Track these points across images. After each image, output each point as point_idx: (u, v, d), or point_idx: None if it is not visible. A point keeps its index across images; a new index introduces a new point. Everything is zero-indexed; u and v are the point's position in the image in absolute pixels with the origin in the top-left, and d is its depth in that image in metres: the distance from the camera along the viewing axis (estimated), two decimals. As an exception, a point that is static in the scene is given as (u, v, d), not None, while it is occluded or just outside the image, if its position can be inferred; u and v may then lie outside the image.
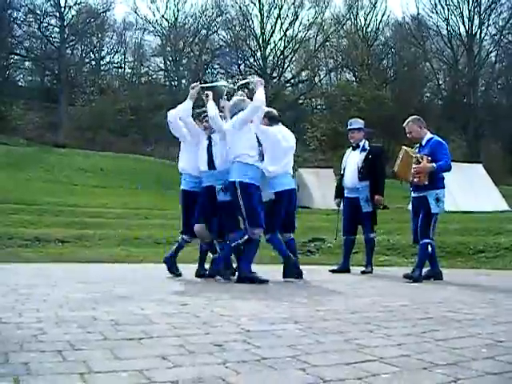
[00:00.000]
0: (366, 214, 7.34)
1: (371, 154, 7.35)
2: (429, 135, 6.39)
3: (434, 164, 6.06)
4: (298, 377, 2.00)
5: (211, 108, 6.05)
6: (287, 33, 46.28)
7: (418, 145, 6.49)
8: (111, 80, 47.85)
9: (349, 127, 7.60)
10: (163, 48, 46.56)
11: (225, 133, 5.94)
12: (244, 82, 6.55)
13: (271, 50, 46.86)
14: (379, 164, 7.48)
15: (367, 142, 7.50)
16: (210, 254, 6.37)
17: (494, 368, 2.15)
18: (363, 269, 7.44)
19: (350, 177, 7.39)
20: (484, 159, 33.21)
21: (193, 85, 6.42)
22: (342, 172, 7.67)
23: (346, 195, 7.52)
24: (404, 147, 6.53)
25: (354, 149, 7.50)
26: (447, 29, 44.34)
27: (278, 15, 45.84)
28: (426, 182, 6.09)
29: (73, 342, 2.50)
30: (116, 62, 49.37)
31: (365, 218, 7.38)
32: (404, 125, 6.50)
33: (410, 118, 6.51)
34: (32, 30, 43.69)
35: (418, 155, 6.16)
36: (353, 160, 7.42)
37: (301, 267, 6.13)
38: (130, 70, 49.73)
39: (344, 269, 7.44)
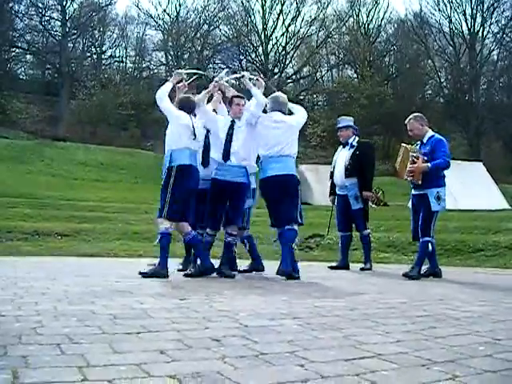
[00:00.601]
0: (356, 211, 7.35)
1: (358, 150, 7.34)
2: (430, 133, 6.37)
3: (428, 164, 6.07)
4: (296, 372, 2.00)
5: (164, 88, 5.93)
6: (289, 29, 46.24)
7: (419, 142, 6.48)
8: (112, 74, 47.72)
9: (337, 125, 7.62)
10: (165, 43, 46.48)
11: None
12: (238, 76, 6.54)
13: (273, 45, 46.83)
14: (366, 160, 7.43)
15: (356, 139, 7.50)
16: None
17: (491, 366, 2.15)
18: (362, 265, 7.44)
19: (339, 174, 7.43)
20: (485, 157, 33.21)
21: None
22: (332, 170, 7.68)
23: (337, 192, 7.55)
24: (404, 144, 6.53)
25: (343, 146, 7.53)
26: (449, 26, 44.31)
27: (280, 11, 45.79)
28: (420, 182, 6.11)
29: (71, 336, 2.51)
30: (117, 56, 49.26)
31: (355, 216, 7.39)
32: (405, 122, 6.50)
33: (412, 116, 6.50)
34: (33, 23, 43.66)
35: (414, 154, 6.16)
36: (341, 157, 7.46)
37: (299, 263, 6.14)
38: (131, 65, 49.60)
39: (343, 265, 7.45)
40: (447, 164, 6.16)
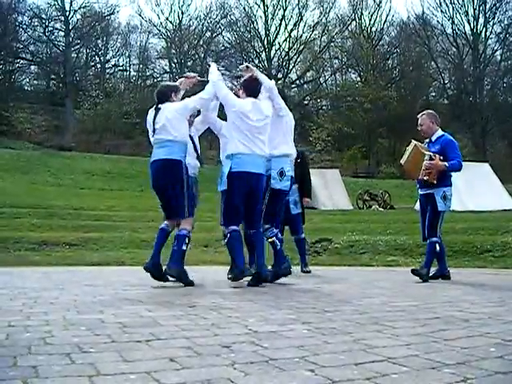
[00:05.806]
0: (295, 215, 7.48)
1: (299, 158, 7.26)
2: (440, 132, 6.37)
3: (446, 163, 6.04)
4: (306, 378, 2.00)
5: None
6: (292, 34, 46.42)
7: (427, 140, 6.46)
8: (116, 83, 47.97)
9: None
10: (168, 50, 46.69)
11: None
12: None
13: (276, 51, 46.97)
14: (306, 168, 7.66)
15: None
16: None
17: (502, 367, 2.14)
18: (304, 269, 7.50)
19: None
20: (490, 158, 33.16)
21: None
22: None
23: None
24: (414, 141, 6.42)
25: None
26: (452, 28, 44.41)
27: (283, 16, 45.95)
28: (435, 182, 6.06)
29: (81, 345, 2.51)
30: (121, 64, 49.63)
31: (295, 220, 7.52)
32: (418, 116, 6.51)
33: (425, 112, 6.54)
34: (37, 34, 44.05)
35: (431, 153, 6.09)
36: None
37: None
38: (135, 73, 49.93)
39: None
40: (461, 166, 6.16)
